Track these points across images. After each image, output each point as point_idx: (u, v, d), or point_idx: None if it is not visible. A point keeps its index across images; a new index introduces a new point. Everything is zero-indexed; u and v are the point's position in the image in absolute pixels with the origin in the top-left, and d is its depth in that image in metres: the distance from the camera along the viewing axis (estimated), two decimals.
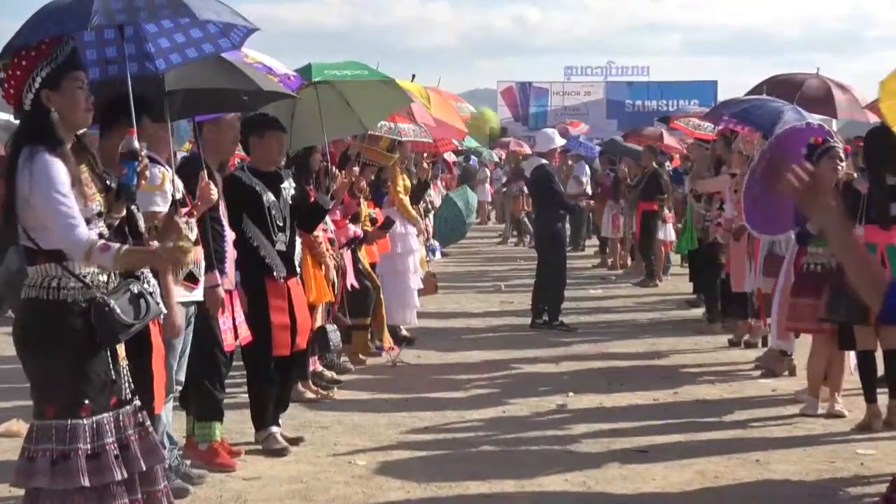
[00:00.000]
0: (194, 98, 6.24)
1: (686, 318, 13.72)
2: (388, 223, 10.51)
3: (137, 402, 4.56)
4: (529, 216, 25.85)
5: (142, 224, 4.73)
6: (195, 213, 6.11)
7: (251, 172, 7.32)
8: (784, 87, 11.46)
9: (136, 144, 4.50)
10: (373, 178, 10.63)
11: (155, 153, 5.78)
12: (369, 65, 9.26)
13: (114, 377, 4.43)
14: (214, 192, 6.24)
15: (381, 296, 10.77)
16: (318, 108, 8.22)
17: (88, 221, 4.30)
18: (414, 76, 12.75)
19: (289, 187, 7.48)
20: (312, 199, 8.03)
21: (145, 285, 4.63)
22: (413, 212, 11.73)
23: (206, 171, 6.25)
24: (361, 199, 10.13)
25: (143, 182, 4.57)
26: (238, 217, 7.10)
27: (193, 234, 6.11)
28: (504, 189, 28.51)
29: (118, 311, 4.32)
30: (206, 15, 4.80)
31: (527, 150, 28.58)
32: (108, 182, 4.46)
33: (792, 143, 8.56)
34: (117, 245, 4.27)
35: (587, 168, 22.16)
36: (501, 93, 47.12)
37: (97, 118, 4.94)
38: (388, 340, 10.92)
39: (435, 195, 20.21)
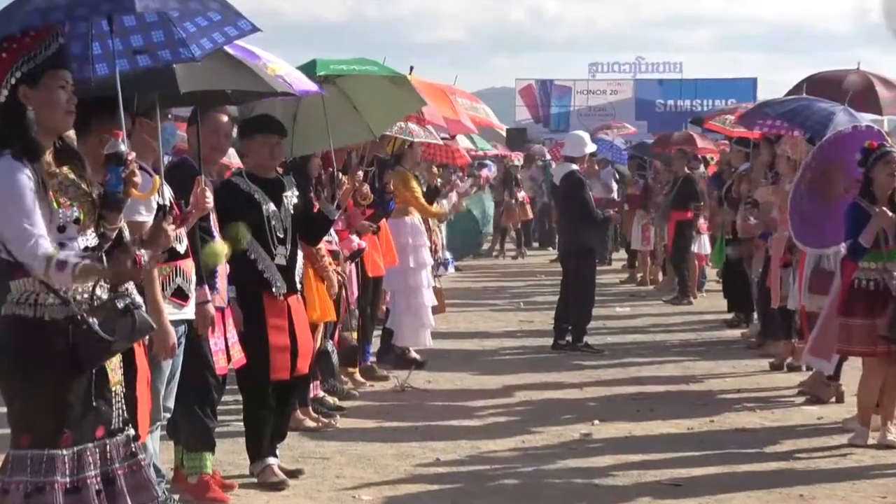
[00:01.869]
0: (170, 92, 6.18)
1: (723, 340, 13.68)
2: (356, 254, 10.25)
3: (131, 432, 4.55)
4: (542, 226, 26.02)
5: (127, 233, 4.71)
6: (187, 221, 6.12)
7: (250, 179, 7.30)
8: (825, 85, 11.46)
9: (122, 147, 4.45)
10: (376, 184, 10.61)
11: (140, 158, 5.78)
12: (378, 62, 9.27)
13: (100, 404, 4.41)
14: (210, 200, 6.24)
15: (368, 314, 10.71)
16: (322, 112, 8.16)
17: (63, 229, 4.30)
18: (412, 68, 12.71)
19: (291, 196, 7.44)
20: (316, 209, 8.01)
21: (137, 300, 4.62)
22: (437, 209, 11.75)
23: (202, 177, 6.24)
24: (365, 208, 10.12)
25: (133, 190, 4.50)
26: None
27: (183, 246, 6.11)
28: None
29: (97, 328, 4.31)
30: None
31: (518, 156, 28.70)
32: (92, 191, 4.44)
33: (842, 148, 8.56)
34: (73, 262, 4.22)
35: (615, 173, 22.13)
36: (520, 92, 47.13)
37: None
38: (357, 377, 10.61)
39: (447, 204, 20.23)
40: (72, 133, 4.88)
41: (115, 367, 4.53)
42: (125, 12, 4.83)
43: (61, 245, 4.30)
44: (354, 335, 10.14)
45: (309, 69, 8.38)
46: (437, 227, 17.64)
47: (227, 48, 6.02)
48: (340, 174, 8.23)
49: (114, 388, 4.50)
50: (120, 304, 4.42)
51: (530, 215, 26.94)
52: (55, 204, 4.31)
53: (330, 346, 8.89)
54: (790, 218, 9.18)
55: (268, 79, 6.68)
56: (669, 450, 8.27)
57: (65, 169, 4.41)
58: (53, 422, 4.31)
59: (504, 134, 29.58)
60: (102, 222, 4.44)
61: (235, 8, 5.23)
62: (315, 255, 8.68)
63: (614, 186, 21.78)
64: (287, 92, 7.02)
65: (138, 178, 4.48)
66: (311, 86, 7.50)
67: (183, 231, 6.07)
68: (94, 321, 4.31)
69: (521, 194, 26.11)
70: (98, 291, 4.43)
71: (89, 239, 4.40)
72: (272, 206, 7.27)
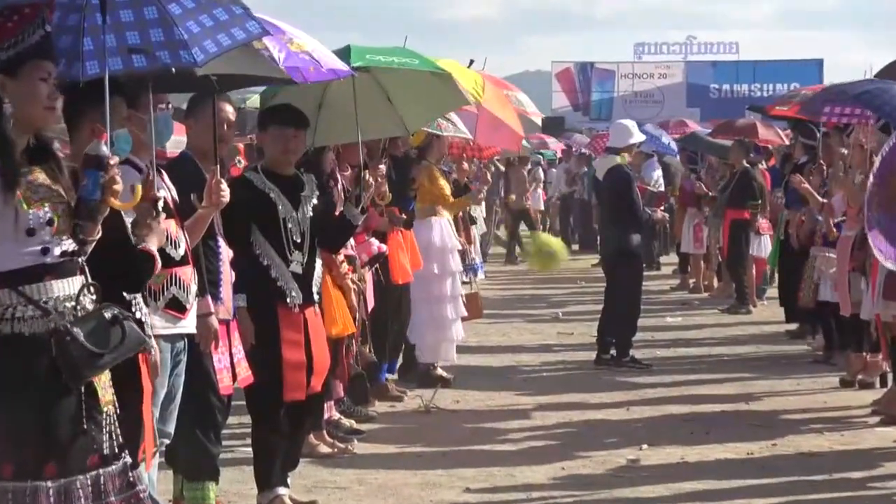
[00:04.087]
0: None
1: (787, 353, 13.65)
2: (375, 258, 10.15)
3: (128, 460, 4.53)
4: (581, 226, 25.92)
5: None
6: (202, 219, 6.13)
7: (265, 175, 7.30)
8: None
9: (105, 150, 4.43)
10: (393, 176, 10.59)
11: (135, 156, 5.81)
12: (419, 54, 9.29)
13: (91, 428, 4.40)
14: (227, 193, 6.23)
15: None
16: (350, 100, 8.16)
17: (32, 232, 4.30)
18: (472, 62, 12.74)
19: (311, 196, 7.42)
20: (338, 213, 8.00)
21: (137, 313, 4.63)
22: (463, 199, 11.81)
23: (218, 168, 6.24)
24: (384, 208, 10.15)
25: (112, 198, 4.46)
26: (246, 229, 7.11)
27: (179, 251, 6.08)
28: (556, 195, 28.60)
29: (83, 340, 4.30)
30: None
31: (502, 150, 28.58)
32: (69, 195, 4.44)
33: None
34: None
35: (658, 169, 22.09)
36: (557, 75, 47.22)
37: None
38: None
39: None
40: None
41: (105, 385, 4.51)
42: None
43: (32, 251, 4.30)
44: (371, 350, 10.15)
45: (342, 56, 8.36)
46: (474, 225, 17.70)
47: None
48: (368, 175, 8.15)
49: (105, 409, 4.47)
50: (107, 314, 4.42)
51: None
52: (24, 205, 4.30)
53: (361, 370, 8.90)
54: (867, 226, 9.11)
55: (274, 69, 6.71)
56: (726, 477, 8.25)
57: (36, 169, 4.40)
58: (38, 450, 4.29)
59: (539, 123, 29.57)
60: (78, 231, 4.43)
61: (245, 6, 5.28)
62: (332, 261, 8.69)
63: (658, 178, 21.71)
64: (288, 79, 7.00)
65: (118, 186, 4.45)
66: (341, 66, 7.53)
67: (181, 234, 6.08)
68: (79, 332, 4.31)
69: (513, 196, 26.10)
70: (83, 300, 4.43)
71: (66, 244, 4.40)
72: (289, 207, 7.27)
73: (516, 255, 25.67)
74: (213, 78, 6.30)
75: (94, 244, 4.49)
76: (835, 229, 11.32)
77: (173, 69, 5.39)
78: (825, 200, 11.67)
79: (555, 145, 32.36)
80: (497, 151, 19.98)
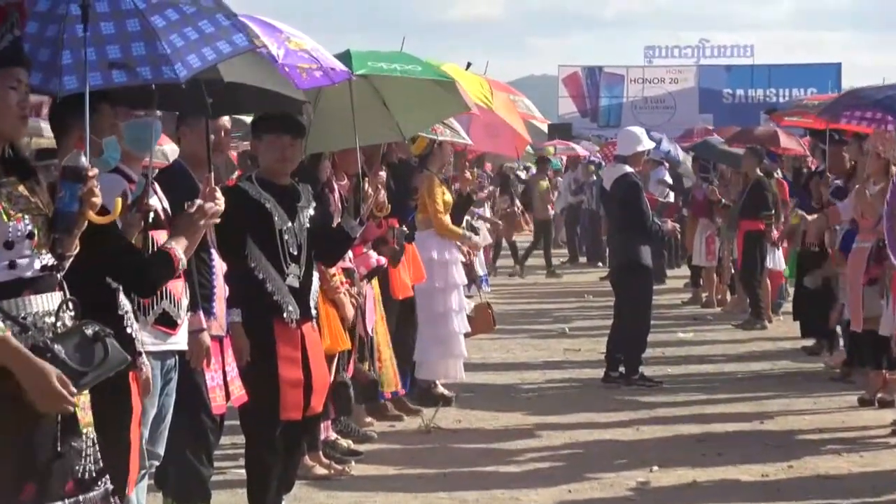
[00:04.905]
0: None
1: (803, 370, 13.65)
2: (374, 272, 10.14)
3: (109, 487, 4.51)
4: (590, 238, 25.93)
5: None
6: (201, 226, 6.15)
7: (261, 185, 7.30)
8: None
9: (83, 161, 4.42)
10: (391, 187, 10.61)
11: (126, 166, 5.83)
12: (421, 60, 9.31)
13: (68, 450, 4.36)
14: (222, 201, 6.22)
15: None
16: (343, 105, 8.17)
17: (10, 245, 4.28)
18: (469, 65, 12.77)
19: (307, 207, 7.43)
20: (335, 224, 8.00)
21: (128, 328, 4.62)
22: (458, 230, 11.76)
23: (213, 175, 6.23)
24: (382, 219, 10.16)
25: (91, 212, 4.45)
26: (240, 241, 7.13)
27: None
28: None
29: (64, 357, 4.26)
30: None
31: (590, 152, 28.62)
32: (47, 208, 4.43)
33: None
34: None
35: (668, 175, 22.10)
36: (564, 80, 47.23)
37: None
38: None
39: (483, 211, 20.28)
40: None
41: (84, 405, 4.47)
42: None
43: (11, 265, 4.29)
44: (379, 366, 10.17)
45: (342, 62, 8.36)
46: (479, 236, 17.68)
47: (245, 19, 6.05)
48: (367, 184, 8.16)
49: (84, 431, 4.44)
50: (89, 331, 4.38)
51: (528, 228, 26.98)
52: (4, 216, 4.28)
53: (346, 377, 8.91)
54: (887, 237, 9.14)
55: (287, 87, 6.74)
56: (740, 501, 8.26)
57: (15, 181, 4.39)
58: (13, 474, 4.24)
59: (545, 130, 29.64)
60: (55, 245, 4.41)
61: (233, 16, 5.27)
62: (324, 273, 8.70)
63: (667, 190, 21.75)
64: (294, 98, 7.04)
65: (97, 198, 4.44)
66: (340, 66, 7.56)
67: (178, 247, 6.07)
68: (59, 349, 4.27)
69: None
70: (63, 316, 4.41)
71: (45, 258, 4.38)
72: (286, 218, 7.28)
73: (521, 269, 25.70)
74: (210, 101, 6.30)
75: (71, 259, 4.47)
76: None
77: (153, 85, 5.39)
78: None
79: (561, 152, 32.38)
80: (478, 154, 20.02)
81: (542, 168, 28.75)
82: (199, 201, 5.40)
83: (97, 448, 4.49)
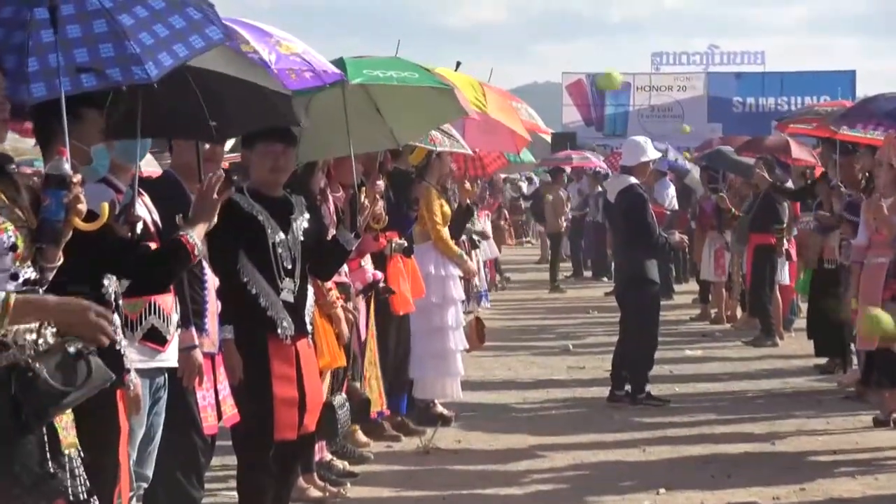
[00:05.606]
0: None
1: (816, 389, 13.67)
2: (370, 287, 10.18)
3: None
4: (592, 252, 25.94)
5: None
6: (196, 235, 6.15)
7: (253, 196, 7.32)
8: None
9: (67, 168, 4.43)
10: (391, 199, 10.62)
11: (113, 175, 5.85)
12: (418, 66, 9.31)
13: (56, 470, 4.37)
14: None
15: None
16: (337, 112, 8.17)
17: None
18: (459, 64, 12.76)
19: (301, 219, 7.44)
20: (330, 237, 7.99)
21: (115, 344, 4.60)
22: (457, 249, 11.77)
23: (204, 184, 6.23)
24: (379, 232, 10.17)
25: (77, 219, 4.46)
26: (232, 254, 7.14)
27: None
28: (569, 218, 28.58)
29: (46, 376, 4.25)
30: None
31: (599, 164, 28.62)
32: (29, 219, 4.43)
33: None
34: (2, 294, 4.20)
35: (672, 188, 22.10)
36: (568, 88, 47.26)
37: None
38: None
39: (482, 223, 20.27)
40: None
41: (66, 425, 4.48)
42: None
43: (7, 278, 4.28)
44: (365, 385, 10.17)
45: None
46: (477, 249, 17.70)
47: (234, 25, 6.04)
48: (362, 194, 8.16)
49: (67, 452, 4.44)
50: (71, 349, 4.35)
51: (513, 242, 27.02)
52: None
53: (340, 398, 8.91)
54: None
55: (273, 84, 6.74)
56: None
57: None
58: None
59: (549, 139, 29.63)
60: (38, 257, 4.41)
61: (205, 4, 5.28)
62: (320, 288, 8.70)
63: (672, 198, 21.77)
64: (282, 92, 7.03)
65: (83, 206, 4.45)
66: (333, 68, 7.57)
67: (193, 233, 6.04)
68: (41, 368, 4.26)
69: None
70: (45, 333, 4.39)
71: (28, 272, 4.38)
72: (279, 231, 7.29)
73: (558, 283, 25.71)
74: (213, 124, 6.33)
75: (54, 272, 4.47)
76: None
77: (124, 87, 5.38)
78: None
79: (577, 162, 32.22)
80: (504, 164, 20.00)
81: (558, 179, 28.67)
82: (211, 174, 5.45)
83: (83, 469, 4.49)
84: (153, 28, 5.24)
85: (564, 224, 27.48)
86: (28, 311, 4.25)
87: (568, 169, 31.96)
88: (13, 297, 4.20)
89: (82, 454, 4.53)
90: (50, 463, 4.36)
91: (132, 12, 5.22)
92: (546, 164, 30.89)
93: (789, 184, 18.12)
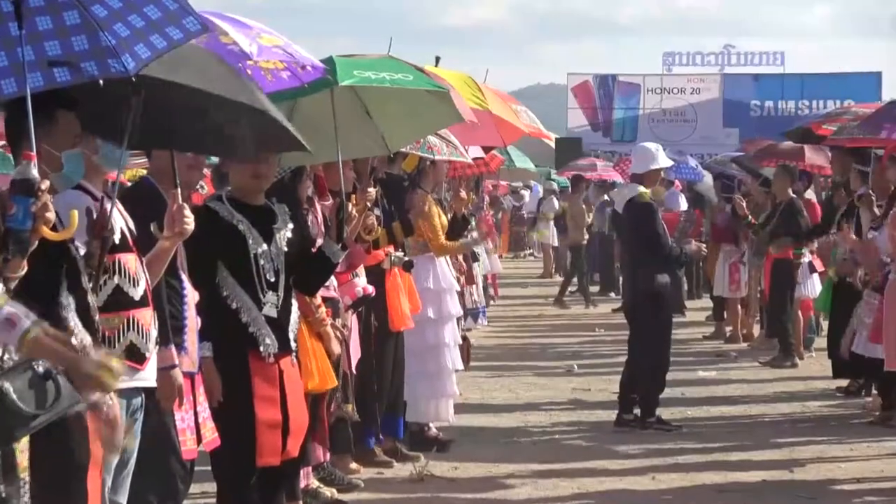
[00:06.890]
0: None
1: (838, 414, 13.68)
2: (360, 301, 10.25)
3: None
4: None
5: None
6: (163, 252, 6.15)
7: (233, 205, 7.33)
8: None
9: (34, 174, 4.46)
10: (386, 208, 10.64)
11: (88, 182, 5.86)
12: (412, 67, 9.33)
13: (6, 494, 4.40)
14: (191, 221, 6.21)
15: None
16: (324, 115, 8.18)
17: None
18: (438, 59, 12.70)
19: (284, 230, 7.46)
20: (316, 249, 8.01)
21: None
22: (457, 242, 11.78)
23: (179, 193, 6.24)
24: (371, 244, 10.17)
25: (45, 228, 4.50)
26: (211, 267, 7.14)
27: (139, 290, 6.06)
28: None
29: (14, 397, 4.26)
30: None
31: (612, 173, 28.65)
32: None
33: None
34: (28, 323, 4.23)
35: (682, 198, 22.13)
36: (573, 90, 47.20)
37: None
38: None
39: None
40: None
41: (23, 448, 4.51)
42: None
43: None
44: (354, 409, 10.19)
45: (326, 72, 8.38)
46: (479, 262, 17.71)
47: (213, 18, 6.06)
48: (351, 205, 8.18)
49: (21, 476, 4.48)
50: (39, 368, 4.36)
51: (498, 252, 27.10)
52: None
53: (345, 412, 8.94)
54: None
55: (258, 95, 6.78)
56: None
57: None
58: None
59: (553, 145, 29.65)
60: (2, 267, 4.43)
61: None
62: (309, 304, 8.70)
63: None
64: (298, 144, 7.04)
65: (51, 214, 4.49)
66: (315, 61, 7.61)
67: (141, 271, 6.07)
68: (8, 387, 4.27)
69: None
70: (10, 348, 4.42)
71: None
72: (261, 241, 7.30)
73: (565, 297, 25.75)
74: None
75: (13, 287, 4.48)
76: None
77: (101, 81, 5.37)
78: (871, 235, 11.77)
79: (601, 170, 32.16)
80: (501, 161, 20.04)
81: (578, 188, 28.56)
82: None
83: (28, 494, 4.52)
84: (128, 19, 5.25)
85: (586, 236, 27.40)
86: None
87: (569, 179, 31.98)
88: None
89: (45, 480, 4.54)
90: (3, 486, 4.39)
91: (105, 3, 5.24)
92: (565, 173, 30.85)
93: (809, 193, 18.14)
